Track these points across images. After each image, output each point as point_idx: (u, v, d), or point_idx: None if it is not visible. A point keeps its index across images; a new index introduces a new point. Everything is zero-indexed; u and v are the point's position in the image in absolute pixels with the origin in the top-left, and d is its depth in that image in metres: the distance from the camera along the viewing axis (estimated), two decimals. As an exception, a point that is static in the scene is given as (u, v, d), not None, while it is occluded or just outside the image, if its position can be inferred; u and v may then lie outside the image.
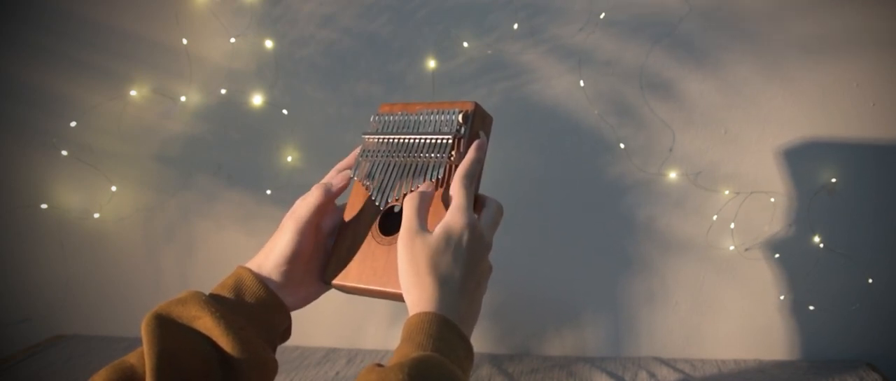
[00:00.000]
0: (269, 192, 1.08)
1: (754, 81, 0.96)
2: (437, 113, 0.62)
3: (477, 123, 0.62)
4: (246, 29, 1.03)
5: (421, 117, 0.62)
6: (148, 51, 1.06)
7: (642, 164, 1.00)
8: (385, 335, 1.11)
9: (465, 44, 1.00)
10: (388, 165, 0.62)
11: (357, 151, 0.65)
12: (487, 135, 0.63)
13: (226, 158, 1.09)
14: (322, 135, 1.06)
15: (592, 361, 1.02)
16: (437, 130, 0.61)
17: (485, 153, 0.61)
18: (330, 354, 1.08)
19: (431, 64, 1.01)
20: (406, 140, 0.62)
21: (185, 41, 1.04)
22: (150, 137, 1.09)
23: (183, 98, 1.06)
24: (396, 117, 0.64)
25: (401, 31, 1.01)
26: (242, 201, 1.10)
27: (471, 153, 0.59)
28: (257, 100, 1.05)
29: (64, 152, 1.10)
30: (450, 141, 0.60)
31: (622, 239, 1.03)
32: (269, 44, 1.03)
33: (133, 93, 1.07)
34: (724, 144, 0.98)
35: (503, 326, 1.08)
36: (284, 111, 1.05)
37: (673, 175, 0.99)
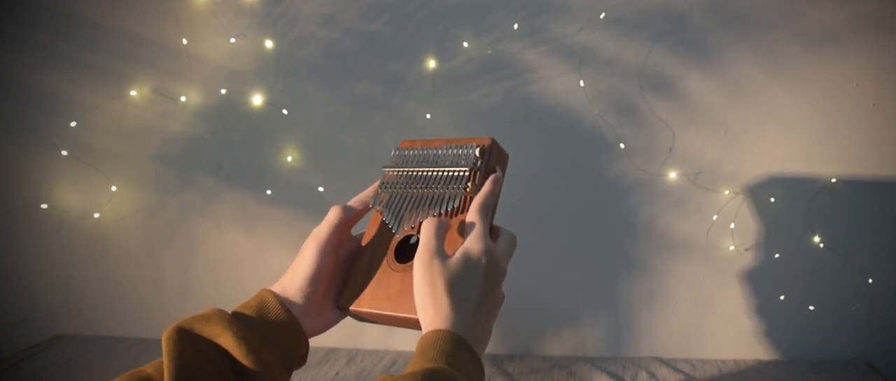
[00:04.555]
0: (269, 192, 1.08)
1: (754, 81, 0.96)
2: (456, 147, 0.63)
3: (493, 158, 0.63)
4: (246, 29, 1.03)
5: (440, 152, 0.64)
6: (148, 51, 1.06)
7: (642, 164, 1.00)
8: (385, 335, 1.11)
9: (465, 44, 1.00)
10: (406, 195, 0.64)
11: (376, 183, 0.67)
12: (503, 171, 0.65)
13: (226, 158, 1.09)
14: (322, 135, 1.06)
15: (592, 361, 1.02)
16: (454, 162, 0.62)
17: (500, 187, 0.62)
18: (330, 354, 1.08)
19: (431, 64, 1.01)
20: (424, 173, 0.64)
21: (185, 41, 1.04)
22: (150, 137, 1.09)
23: (183, 98, 1.06)
24: (415, 152, 0.66)
25: (401, 32, 1.01)
26: (242, 201, 1.10)
27: (487, 186, 0.61)
28: (257, 100, 1.05)
29: (64, 152, 1.10)
30: (466, 173, 0.61)
31: (622, 239, 1.03)
32: (269, 44, 1.03)
33: (133, 93, 1.07)
34: (724, 144, 0.98)
35: (503, 326, 1.08)
36: (284, 111, 1.05)
37: (673, 175, 0.99)
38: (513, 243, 0.61)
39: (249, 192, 1.09)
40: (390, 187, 0.65)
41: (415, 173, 0.64)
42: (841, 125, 0.95)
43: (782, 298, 1.00)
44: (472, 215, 0.58)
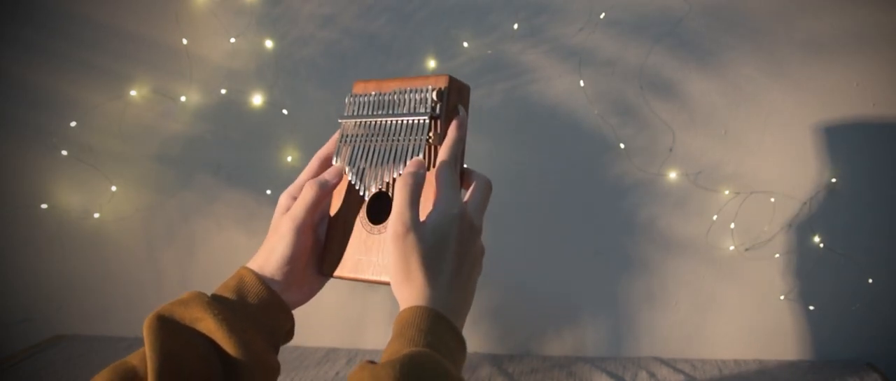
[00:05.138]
0: (269, 192, 1.08)
1: (754, 81, 0.96)
2: (411, 91, 0.60)
3: (453, 97, 0.60)
4: (246, 29, 1.03)
5: (395, 97, 0.60)
6: (148, 51, 1.06)
7: (643, 164, 1.00)
8: (385, 334, 1.11)
9: (465, 44, 1.00)
10: (368, 150, 0.60)
11: (336, 136, 0.64)
12: (466, 106, 0.61)
13: (226, 158, 1.09)
14: (322, 135, 1.04)
15: (592, 361, 1.02)
16: (412, 109, 0.59)
17: (466, 129, 0.59)
18: (330, 354, 1.08)
19: (431, 64, 1.01)
20: (383, 122, 0.60)
21: (185, 41, 1.04)
22: (150, 137, 1.09)
23: (183, 98, 1.06)
24: (370, 98, 0.62)
25: (401, 32, 1.01)
26: (242, 201, 1.10)
27: (451, 133, 0.57)
28: (257, 100, 1.05)
29: (64, 152, 1.10)
30: (426, 121, 0.58)
31: (622, 239, 1.03)
32: (269, 44, 1.03)
33: (133, 93, 1.07)
34: (724, 144, 0.98)
35: (503, 326, 1.08)
36: (284, 111, 1.05)
37: (673, 175, 0.99)
38: (487, 191, 0.57)
39: (249, 192, 1.09)
40: (351, 140, 0.62)
41: (373, 123, 0.61)
42: (841, 125, 0.95)
43: (782, 298, 1.00)
44: (438, 171, 0.55)
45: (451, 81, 0.59)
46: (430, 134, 0.58)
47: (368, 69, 1.03)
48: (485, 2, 0.98)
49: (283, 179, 1.07)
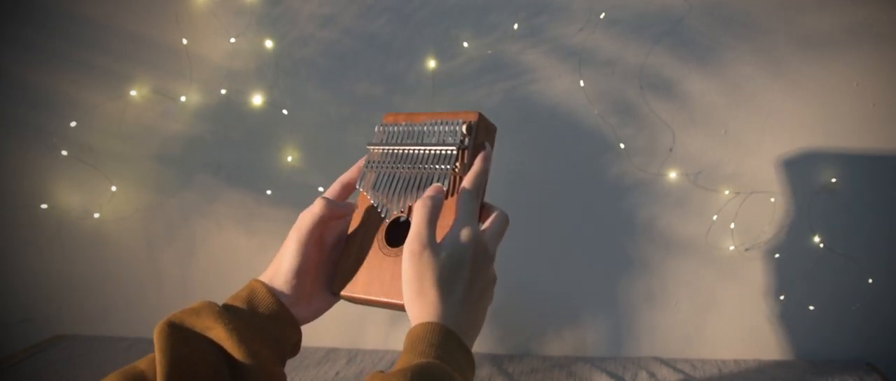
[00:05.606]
0: (269, 192, 1.08)
1: (755, 81, 0.96)
2: (441, 123, 0.62)
3: (481, 134, 0.62)
4: (246, 29, 1.03)
5: (425, 128, 0.63)
6: (148, 51, 1.06)
7: (642, 164, 1.00)
8: (385, 335, 1.11)
9: (465, 44, 1.00)
10: (393, 176, 0.63)
11: (361, 162, 0.66)
12: (492, 144, 0.64)
13: (226, 158, 1.09)
14: (322, 135, 1.06)
15: (592, 361, 1.02)
16: (441, 140, 0.61)
17: (490, 164, 0.61)
18: (330, 354, 1.08)
19: (431, 64, 1.01)
20: (410, 151, 0.62)
21: (185, 41, 1.04)
22: (150, 137, 1.09)
23: (183, 98, 1.06)
24: (400, 128, 0.64)
25: (401, 32, 1.01)
26: (242, 201, 1.10)
27: (476, 165, 0.59)
28: (257, 100, 1.05)
29: (64, 152, 1.10)
30: (454, 152, 0.60)
31: (622, 239, 1.03)
32: (269, 44, 1.03)
33: (133, 93, 1.07)
34: (724, 144, 0.98)
35: (503, 326, 1.08)
36: (284, 111, 1.05)
37: (673, 175, 0.99)
38: (504, 223, 0.59)
39: (249, 192, 1.09)
40: (376, 167, 0.64)
41: (400, 152, 0.63)
42: (841, 125, 0.95)
43: (782, 298, 1.00)
44: (459, 198, 0.57)
45: (481, 117, 0.62)
46: (456, 164, 0.60)
47: (368, 69, 1.03)
48: (485, 2, 0.98)
49: (284, 179, 1.07)
